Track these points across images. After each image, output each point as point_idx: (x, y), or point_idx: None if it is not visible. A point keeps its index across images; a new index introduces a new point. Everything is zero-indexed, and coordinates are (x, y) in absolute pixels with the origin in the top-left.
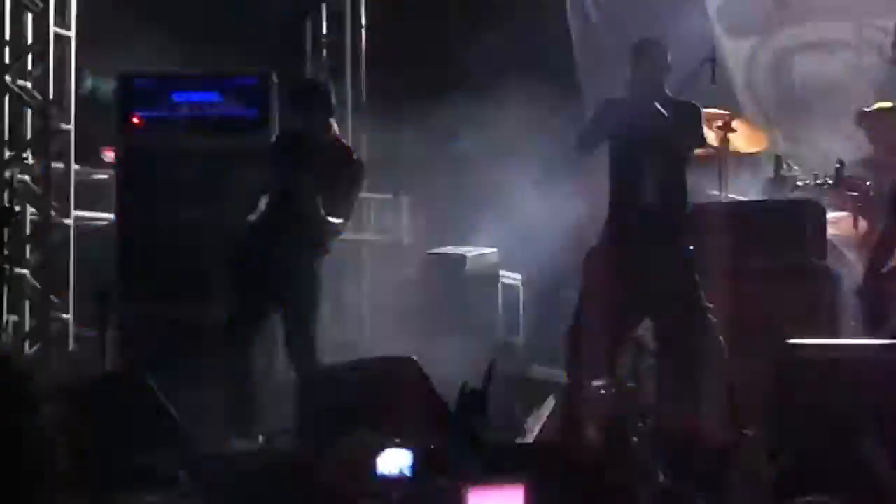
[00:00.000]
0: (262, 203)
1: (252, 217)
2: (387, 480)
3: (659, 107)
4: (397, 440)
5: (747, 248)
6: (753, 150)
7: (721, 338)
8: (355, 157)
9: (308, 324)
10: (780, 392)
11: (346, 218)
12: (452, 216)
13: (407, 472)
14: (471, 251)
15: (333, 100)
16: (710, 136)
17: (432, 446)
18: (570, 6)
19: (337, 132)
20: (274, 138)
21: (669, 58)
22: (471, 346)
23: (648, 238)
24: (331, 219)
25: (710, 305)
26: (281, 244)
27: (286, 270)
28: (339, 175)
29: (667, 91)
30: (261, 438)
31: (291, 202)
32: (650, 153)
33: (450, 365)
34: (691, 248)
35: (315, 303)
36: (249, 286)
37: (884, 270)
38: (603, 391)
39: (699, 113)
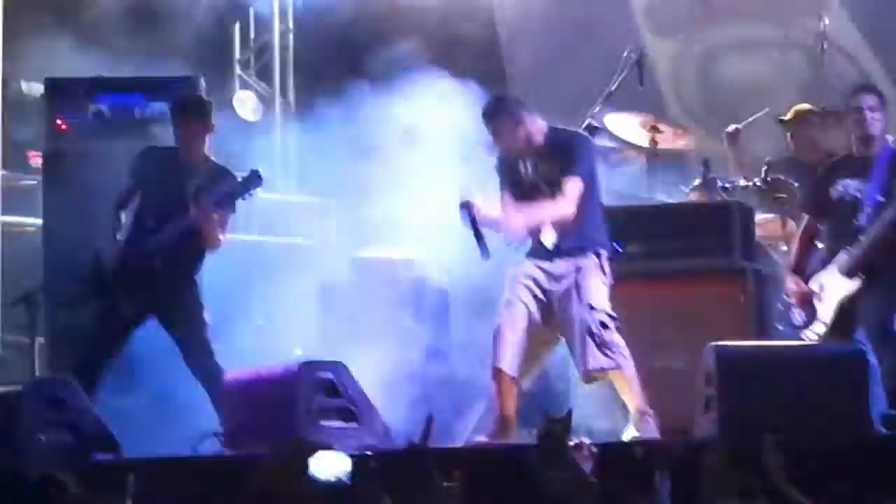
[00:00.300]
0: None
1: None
2: (323, 486)
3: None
4: (334, 445)
5: (676, 250)
6: (680, 148)
7: (621, 343)
8: (226, 172)
9: (199, 335)
10: (717, 392)
11: (221, 231)
12: (379, 218)
13: (344, 478)
14: (397, 254)
15: (212, 116)
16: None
17: (370, 453)
18: (497, 11)
19: (209, 150)
20: (141, 152)
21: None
22: (398, 350)
23: (552, 260)
24: (205, 233)
25: (613, 314)
26: (155, 263)
27: (163, 290)
28: (213, 191)
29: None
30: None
31: (162, 221)
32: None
33: (378, 370)
34: (597, 258)
35: (199, 315)
36: (122, 302)
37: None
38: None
39: (576, 146)
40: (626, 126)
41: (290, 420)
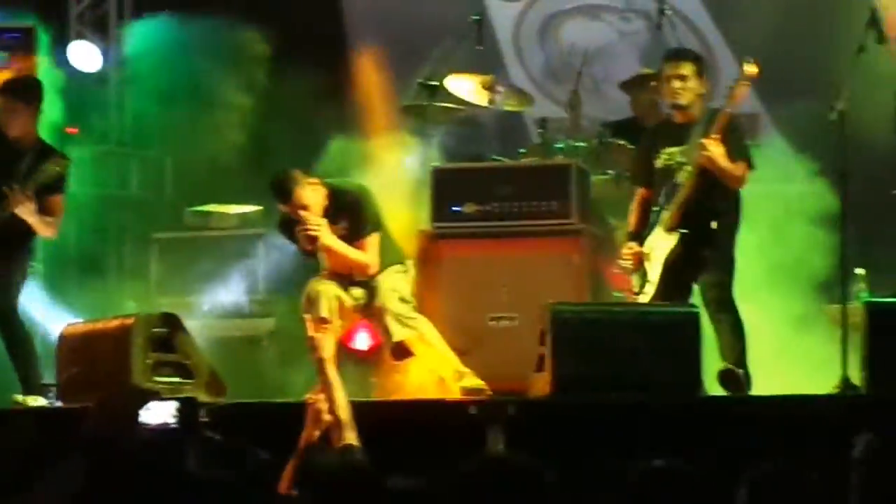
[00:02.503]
0: None
1: None
2: (152, 430)
3: None
4: (161, 393)
5: (513, 211)
6: (518, 109)
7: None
8: (58, 156)
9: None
10: (551, 351)
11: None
12: (219, 177)
13: (171, 422)
14: (233, 209)
15: (41, 96)
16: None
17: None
18: None
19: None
20: None
21: None
22: (232, 302)
23: None
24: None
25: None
26: None
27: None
28: (42, 176)
29: None
30: None
31: None
32: None
33: (210, 321)
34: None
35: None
36: None
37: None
38: None
39: None
40: (465, 86)
41: (123, 374)
